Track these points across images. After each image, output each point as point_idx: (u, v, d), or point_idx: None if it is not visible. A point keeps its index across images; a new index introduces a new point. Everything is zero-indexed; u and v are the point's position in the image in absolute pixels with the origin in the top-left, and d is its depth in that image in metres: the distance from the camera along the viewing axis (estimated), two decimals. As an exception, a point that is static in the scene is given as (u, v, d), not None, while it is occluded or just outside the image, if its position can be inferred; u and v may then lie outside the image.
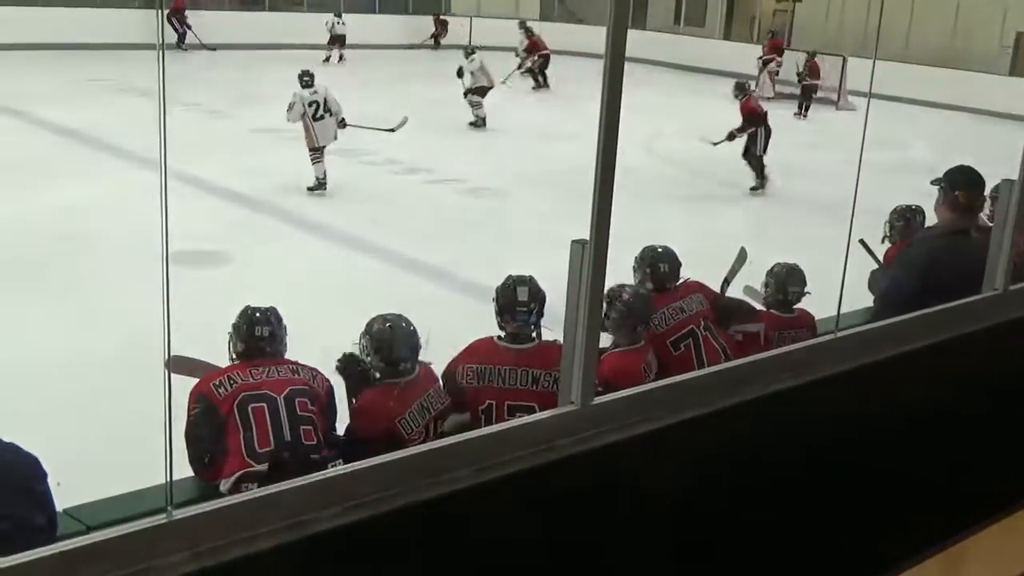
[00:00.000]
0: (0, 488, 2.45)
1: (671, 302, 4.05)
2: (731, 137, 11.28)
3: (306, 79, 10.14)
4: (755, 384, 2.60)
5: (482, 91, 14.30)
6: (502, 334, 3.58)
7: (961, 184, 3.80)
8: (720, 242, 5.74)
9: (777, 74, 19.09)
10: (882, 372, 2.87)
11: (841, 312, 3.06)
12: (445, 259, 8.08)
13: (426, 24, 24.31)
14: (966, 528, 2.90)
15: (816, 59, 17.98)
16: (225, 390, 3.21)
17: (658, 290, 4.08)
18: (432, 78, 17.31)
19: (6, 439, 2.54)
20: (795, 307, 4.35)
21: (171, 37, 19.47)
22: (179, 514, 1.74)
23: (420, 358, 3.41)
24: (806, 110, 17.55)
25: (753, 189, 11.30)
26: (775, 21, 24.03)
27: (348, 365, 3.38)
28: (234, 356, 3.39)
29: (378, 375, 3.37)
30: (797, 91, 17.93)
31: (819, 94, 18.34)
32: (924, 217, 5.03)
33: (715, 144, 11.33)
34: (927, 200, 4.17)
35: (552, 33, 20.63)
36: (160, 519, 1.72)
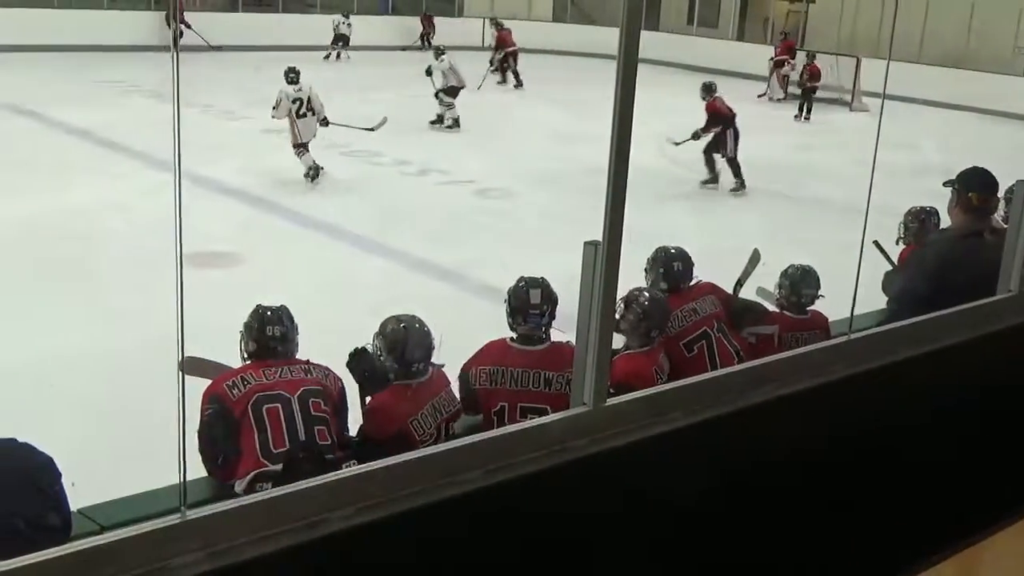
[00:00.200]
0: (15, 488, 2.46)
1: (684, 303, 4.04)
2: (696, 136, 11.29)
3: (292, 76, 10.34)
4: (768, 386, 2.59)
5: (453, 91, 14.11)
6: (515, 335, 3.58)
7: (975, 186, 3.78)
8: (732, 243, 5.73)
9: (788, 76, 19.04)
10: (896, 374, 2.86)
11: (855, 314, 3.05)
12: (457, 260, 8.08)
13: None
14: (981, 531, 2.88)
15: (816, 62, 17.92)
16: (239, 391, 3.20)
17: (671, 290, 4.07)
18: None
19: (21, 439, 2.55)
20: (808, 309, 4.33)
21: (167, 39, 19.42)
22: (193, 514, 1.73)
23: (433, 360, 3.42)
24: (808, 112, 17.48)
25: (704, 183, 11.33)
26: (788, 22, 23.97)
27: (361, 361, 3.38)
28: (245, 355, 3.39)
29: (391, 376, 3.37)
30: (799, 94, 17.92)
31: (832, 95, 18.29)
32: (939, 219, 5.01)
33: (677, 144, 11.34)
34: (941, 201, 4.15)
35: (565, 34, 20.63)
36: (174, 519, 1.72)
